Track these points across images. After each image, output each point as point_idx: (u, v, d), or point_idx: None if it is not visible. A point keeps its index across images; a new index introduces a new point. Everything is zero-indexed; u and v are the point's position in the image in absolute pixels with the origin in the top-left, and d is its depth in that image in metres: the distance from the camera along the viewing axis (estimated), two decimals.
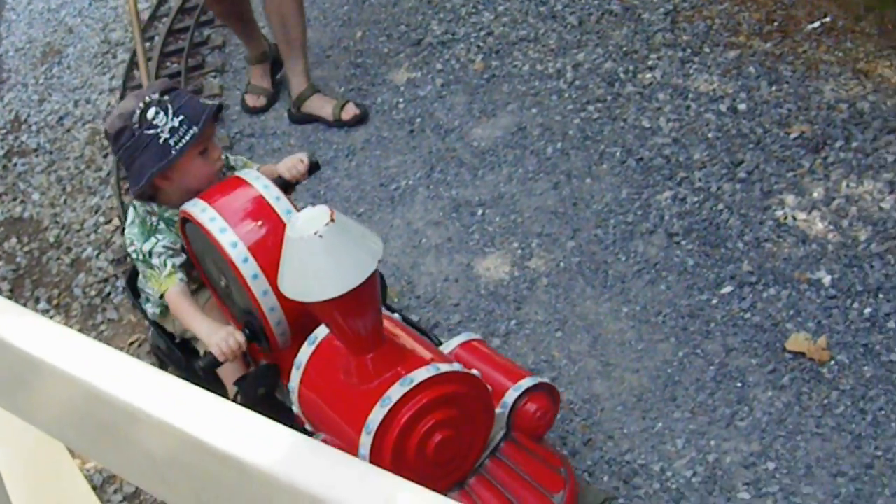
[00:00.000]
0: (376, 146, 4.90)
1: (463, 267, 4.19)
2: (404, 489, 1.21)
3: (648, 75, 4.81)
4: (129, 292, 3.49)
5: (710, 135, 4.43)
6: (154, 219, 3.14)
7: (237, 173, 3.06)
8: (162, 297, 3.13)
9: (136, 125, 2.97)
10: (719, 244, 3.97)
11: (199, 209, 2.91)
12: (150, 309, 3.41)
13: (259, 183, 2.96)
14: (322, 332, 2.85)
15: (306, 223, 2.41)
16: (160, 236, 3.11)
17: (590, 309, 3.88)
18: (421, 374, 2.62)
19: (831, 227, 3.92)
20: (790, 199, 4.06)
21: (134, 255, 3.14)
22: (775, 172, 4.18)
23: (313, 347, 2.86)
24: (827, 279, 3.73)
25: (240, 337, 2.92)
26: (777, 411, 3.37)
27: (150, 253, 3.08)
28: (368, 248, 2.44)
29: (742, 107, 4.51)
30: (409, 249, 4.31)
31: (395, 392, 2.59)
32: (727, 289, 3.80)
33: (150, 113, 2.96)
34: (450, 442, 2.69)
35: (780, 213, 4.02)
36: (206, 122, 2.99)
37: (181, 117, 2.96)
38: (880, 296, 3.62)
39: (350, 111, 5.03)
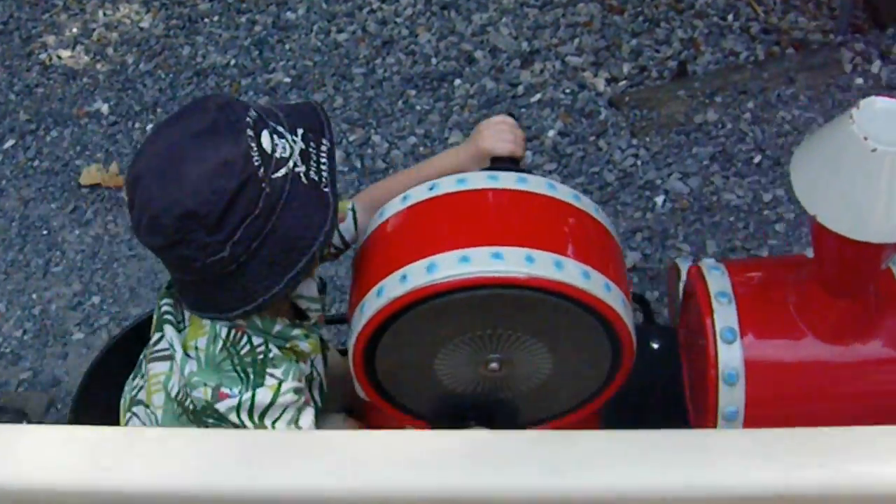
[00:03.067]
0: None
1: None
2: None
3: None
4: None
5: None
6: (258, 344, 1.69)
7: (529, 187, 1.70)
8: None
9: (260, 169, 1.55)
10: None
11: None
12: None
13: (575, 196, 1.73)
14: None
15: (884, 129, 1.44)
16: (278, 371, 1.68)
17: None
18: None
19: (97, 57, 3.72)
20: (51, 39, 3.80)
21: (231, 418, 1.66)
22: (30, 18, 3.88)
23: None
24: (104, 108, 3.56)
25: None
26: (88, 247, 3.19)
27: (270, 409, 1.66)
28: None
29: None
30: None
31: None
32: (10, 143, 3.51)
33: (265, 141, 1.56)
34: None
35: (43, 56, 3.75)
36: (329, 126, 1.68)
37: (301, 130, 1.63)
38: (158, 111, 3.51)
39: None
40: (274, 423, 1.65)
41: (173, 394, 1.70)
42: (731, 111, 3.35)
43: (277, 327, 1.70)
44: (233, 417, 1.64)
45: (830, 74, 3.44)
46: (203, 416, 1.67)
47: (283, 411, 1.66)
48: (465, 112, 3.37)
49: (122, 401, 1.89)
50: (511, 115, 1.92)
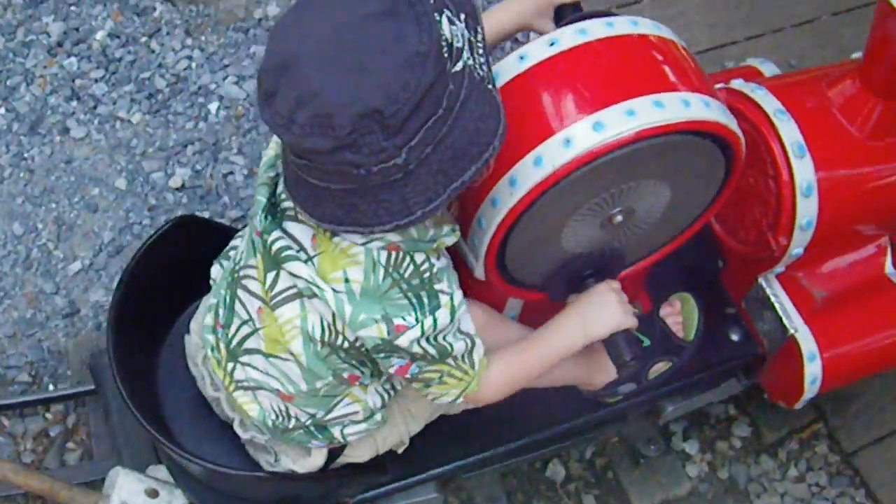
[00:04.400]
0: None
1: None
2: None
3: None
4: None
5: None
6: (422, 261, 1.49)
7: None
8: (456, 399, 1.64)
9: (447, 62, 1.29)
10: None
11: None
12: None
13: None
14: None
15: None
16: (444, 285, 1.51)
17: None
18: None
19: None
20: None
21: (414, 350, 1.50)
22: None
23: None
24: None
25: (617, 285, 1.71)
26: None
27: (450, 327, 1.51)
28: None
29: None
30: None
31: None
32: None
33: (445, 26, 1.30)
34: None
35: None
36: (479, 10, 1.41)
37: (463, 15, 1.34)
38: None
39: None
40: (446, 337, 1.52)
41: (316, 335, 1.54)
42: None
43: (431, 231, 1.51)
44: (416, 349, 1.49)
45: None
46: (375, 353, 1.52)
47: (454, 325, 1.53)
48: None
49: (208, 351, 1.75)
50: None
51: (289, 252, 1.51)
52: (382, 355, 1.52)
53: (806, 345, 2.00)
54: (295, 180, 1.42)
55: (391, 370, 1.54)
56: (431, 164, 1.32)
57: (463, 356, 1.56)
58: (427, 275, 1.48)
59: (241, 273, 1.66)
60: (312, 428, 1.72)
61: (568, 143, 1.50)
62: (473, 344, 1.57)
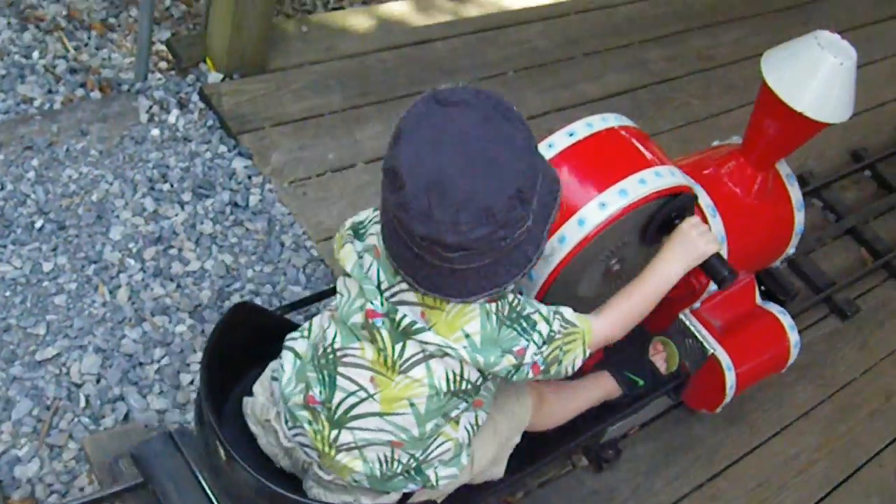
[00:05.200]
0: None
1: None
2: None
3: None
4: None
5: None
6: (512, 299, 1.86)
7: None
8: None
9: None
10: None
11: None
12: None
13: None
14: None
15: (840, 51, 2.37)
16: (530, 308, 1.87)
17: None
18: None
19: None
20: None
21: (538, 358, 1.86)
22: None
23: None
24: None
25: (697, 220, 2.24)
26: None
27: (552, 329, 1.88)
28: None
29: None
30: None
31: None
32: None
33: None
34: None
35: None
36: None
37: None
38: None
39: None
40: (558, 333, 1.88)
41: (443, 387, 1.85)
42: (14, 170, 3.07)
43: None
44: (539, 357, 1.85)
45: (125, 125, 3.28)
46: (508, 376, 1.85)
47: (556, 322, 1.89)
48: None
49: (305, 425, 1.97)
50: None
51: (417, 326, 1.80)
52: (514, 373, 1.86)
53: (724, 360, 2.58)
54: (438, 275, 1.72)
55: (529, 377, 1.87)
56: (538, 220, 1.71)
57: (562, 326, 1.90)
58: (518, 308, 1.84)
59: (339, 354, 1.91)
60: (413, 471, 1.98)
61: (603, 206, 2.10)
62: (556, 312, 1.91)
